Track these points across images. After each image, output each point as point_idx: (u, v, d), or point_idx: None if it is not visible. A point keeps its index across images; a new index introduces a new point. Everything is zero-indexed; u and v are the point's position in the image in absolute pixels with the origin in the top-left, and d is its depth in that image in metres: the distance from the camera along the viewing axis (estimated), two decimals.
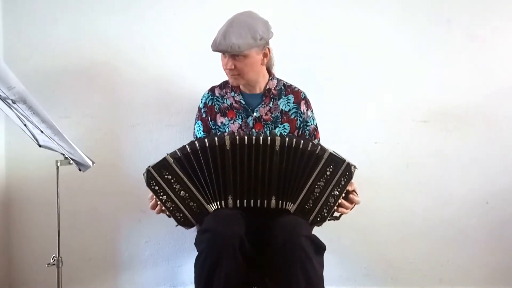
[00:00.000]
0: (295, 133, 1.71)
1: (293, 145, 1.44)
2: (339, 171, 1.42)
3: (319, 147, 1.44)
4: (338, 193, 1.43)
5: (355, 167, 1.43)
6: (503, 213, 2.17)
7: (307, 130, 1.73)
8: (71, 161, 1.53)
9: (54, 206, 1.59)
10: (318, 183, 1.43)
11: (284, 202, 1.46)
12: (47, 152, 1.58)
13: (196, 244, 1.47)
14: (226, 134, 1.51)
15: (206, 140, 1.44)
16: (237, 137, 1.44)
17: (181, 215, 1.44)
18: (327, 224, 1.46)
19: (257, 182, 1.45)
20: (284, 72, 1.79)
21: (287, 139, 1.45)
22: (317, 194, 1.43)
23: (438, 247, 2.17)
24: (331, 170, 1.42)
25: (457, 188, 2.15)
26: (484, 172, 2.15)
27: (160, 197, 1.42)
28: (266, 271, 1.46)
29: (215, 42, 1.56)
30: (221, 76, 1.76)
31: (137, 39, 2.04)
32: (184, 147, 1.45)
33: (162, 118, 2.07)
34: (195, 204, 1.44)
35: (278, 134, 1.51)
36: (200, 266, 1.41)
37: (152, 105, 2.07)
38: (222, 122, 1.70)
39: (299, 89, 1.75)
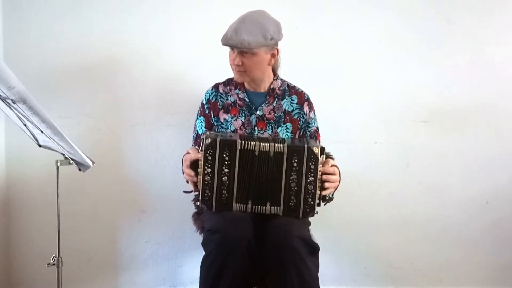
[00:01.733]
0: (297, 133, 1.72)
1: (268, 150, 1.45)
2: (303, 158, 1.42)
3: (279, 144, 1.46)
4: (313, 178, 1.43)
5: (318, 147, 1.43)
6: (503, 213, 2.17)
7: (308, 131, 1.74)
8: (71, 161, 1.52)
9: (54, 206, 1.59)
10: (291, 178, 1.43)
11: (272, 208, 1.47)
12: (47, 152, 1.58)
13: (203, 244, 1.47)
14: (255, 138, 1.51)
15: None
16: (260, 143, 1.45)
17: (209, 194, 1.42)
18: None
19: (263, 189, 1.47)
20: (284, 71, 1.78)
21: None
22: (295, 188, 1.43)
23: (438, 247, 2.17)
24: (296, 160, 1.43)
25: (457, 188, 2.15)
26: (484, 172, 2.15)
27: (205, 167, 1.40)
28: (266, 271, 1.47)
29: (226, 37, 1.56)
30: (222, 77, 1.76)
31: (137, 40, 2.04)
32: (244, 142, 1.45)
33: (162, 118, 2.07)
34: (227, 195, 1.43)
35: (284, 136, 1.50)
36: (207, 266, 1.42)
37: (152, 105, 2.07)
38: (225, 119, 1.69)
39: (302, 91, 1.76)
